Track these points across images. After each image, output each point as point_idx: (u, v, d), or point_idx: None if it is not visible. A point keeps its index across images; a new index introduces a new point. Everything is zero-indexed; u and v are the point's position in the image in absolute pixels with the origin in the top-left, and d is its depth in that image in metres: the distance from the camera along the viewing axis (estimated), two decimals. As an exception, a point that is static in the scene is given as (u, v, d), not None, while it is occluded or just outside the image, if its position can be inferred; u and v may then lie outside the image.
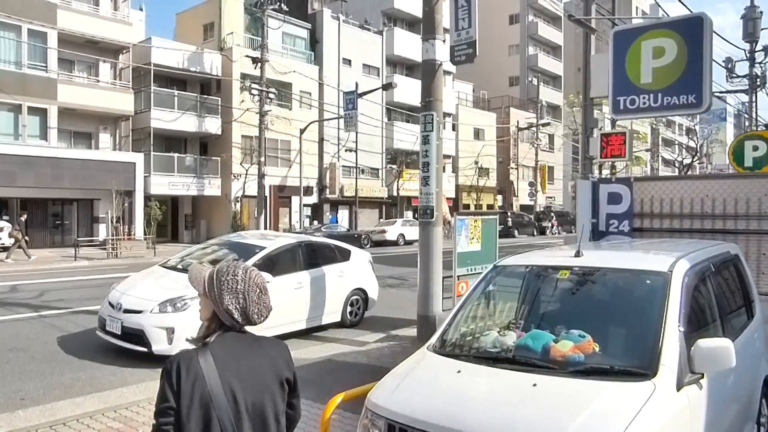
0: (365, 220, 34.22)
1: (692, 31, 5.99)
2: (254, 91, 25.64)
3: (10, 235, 18.83)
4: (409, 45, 36.08)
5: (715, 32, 6.85)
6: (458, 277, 7.46)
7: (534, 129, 43.43)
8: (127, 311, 6.71)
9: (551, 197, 49.55)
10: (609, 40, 6.52)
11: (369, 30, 36.12)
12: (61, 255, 20.28)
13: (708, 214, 5.67)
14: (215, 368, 1.75)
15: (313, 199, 32.21)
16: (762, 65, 21.00)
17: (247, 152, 28.23)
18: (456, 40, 7.54)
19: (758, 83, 20.64)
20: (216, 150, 28.73)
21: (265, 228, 26.06)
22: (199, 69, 27.71)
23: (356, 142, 31.41)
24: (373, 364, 6.48)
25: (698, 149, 42.72)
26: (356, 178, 32.38)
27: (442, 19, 7.87)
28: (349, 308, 8.80)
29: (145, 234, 23.75)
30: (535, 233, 38.85)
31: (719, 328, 3.40)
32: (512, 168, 45.51)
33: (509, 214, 37.33)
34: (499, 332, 3.32)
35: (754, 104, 21.29)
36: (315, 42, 33.42)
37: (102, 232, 23.54)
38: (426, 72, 7.81)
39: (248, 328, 1.91)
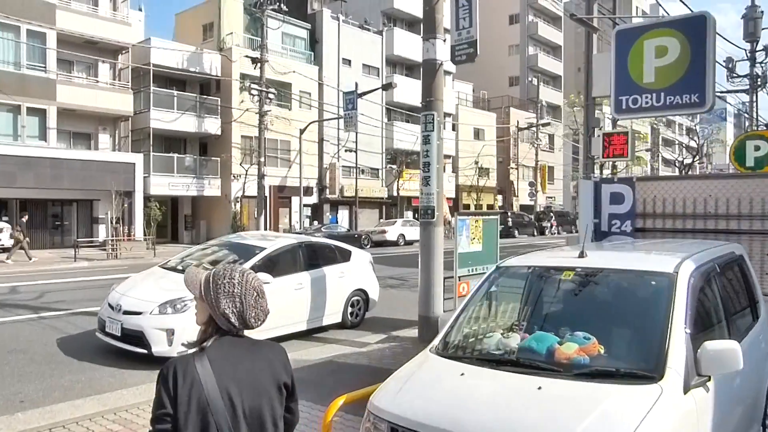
0: (365, 220, 34.19)
1: (695, 30, 5.95)
2: (254, 92, 25.61)
3: (12, 236, 18.78)
4: (408, 45, 36.07)
5: (717, 32, 6.81)
6: (459, 277, 7.44)
7: (534, 129, 43.42)
8: (126, 312, 6.67)
9: (551, 197, 49.54)
10: (611, 39, 6.48)
11: (369, 30, 36.09)
12: (60, 256, 20.24)
13: (711, 215, 5.63)
14: (212, 373, 1.73)
15: (313, 199, 32.18)
16: (763, 65, 20.97)
17: (246, 152, 28.20)
18: (457, 40, 7.51)
19: (759, 83, 20.61)
20: (216, 150, 28.70)
21: (265, 228, 26.05)
22: (198, 69, 27.68)
23: (356, 142, 31.38)
24: (374, 365, 6.45)
25: (699, 149, 42.68)
26: (356, 179, 32.36)
27: (443, 19, 7.84)
28: (349, 309, 8.76)
29: (144, 235, 23.72)
30: (536, 233, 38.83)
31: (725, 329, 3.37)
32: (512, 168, 45.49)
33: (509, 214, 37.29)
34: (502, 334, 3.28)
35: (754, 104, 21.26)
36: (315, 42, 33.39)
37: (102, 232, 23.51)
38: (426, 71, 7.78)
39: (246, 332, 1.88)
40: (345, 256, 8.98)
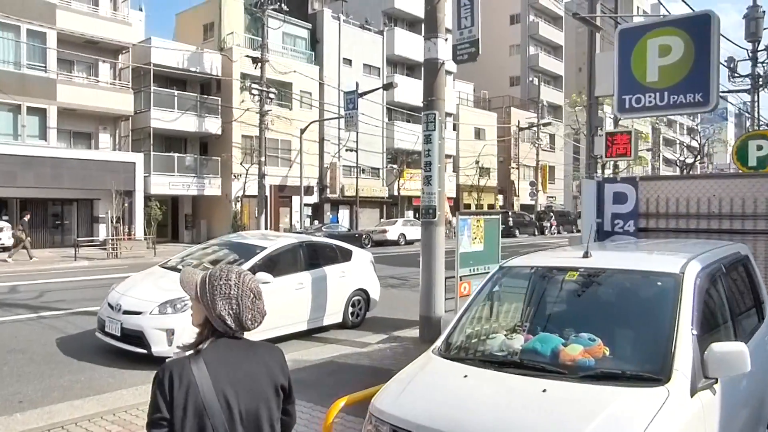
0: (366, 219, 34.16)
1: (699, 29, 5.90)
2: (254, 91, 25.58)
3: (14, 236, 18.75)
4: (409, 45, 36.04)
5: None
6: (461, 277, 7.40)
7: (535, 129, 43.38)
8: (126, 312, 6.64)
9: (552, 197, 49.51)
10: (614, 38, 6.44)
11: (369, 30, 36.05)
12: (61, 255, 20.22)
13: (715, 214, 5.59)
14: (208, 376, 1.71)
15: (313, 198, 32.15)
16: (764, 65, 20.91)
17: (247, 152, 28.18)
18: (458, 39, 7.47)
19: (761, 83, 20.54)
20: (216, 150, 28.67)
21: (266, 228, 26.00)
22: (199, 69, 27.65)
23: (357, 141, 31.35)
24: (375, 365, 6.41)
25: (701, 149, 42.61)
26: (357, 178, 32.33)
27: (445, 18, 7.80)
28: (350, 309, 8.72)
29: (145, 234, 23.69)
30: (536, 233, 38.79)
31: (731, 331, 3.33)
32: (513, 168, 45.45)
33: (510, 213, 37.24)
34: (506, 335, 3.24)
35: (756, 104, 21.20)
36: (315, 42, 33.35)
37: (102, 232, 23.48)
38: (428, 71, 7.75)
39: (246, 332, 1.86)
40: (346, 255, 8.94)
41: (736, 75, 21.51)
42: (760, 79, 20.52)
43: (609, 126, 29.53)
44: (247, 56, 26.25)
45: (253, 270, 7.08)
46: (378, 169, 36.13)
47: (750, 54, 20.15)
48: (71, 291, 12.13)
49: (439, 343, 3.39)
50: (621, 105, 6.43)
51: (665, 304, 3.00)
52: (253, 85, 25.75)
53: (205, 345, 1.77)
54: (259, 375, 1.80)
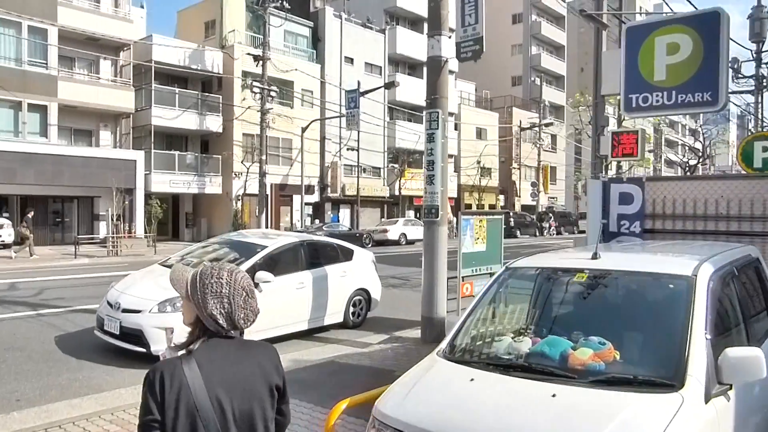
0: (367, 219, 34.09)
1: (708, 27, 5.81)
2: (256, 89, 25.51)
3: (20, 233, 18.67)
4: (411, 44, 35.95)
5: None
6: (463, 278, 7.34)
7: (536, 129, 43.28)
8: (125, 311, 6.58)
9: (554, 197, 49.42)
10: (622, 36, 6.35)
11: (371, 28, 35.96)
12: (61, 252, 20.17)
13: (722, 216, 5.50)
14: (200, 376, 1.65)
15: (314, 197, 32.09)
16: (768, 66, 20.78)
17: (248, 150, 28.12)
18: (462, 36, 7.40)
19: (765, 84, 20.42)
20: (217, 148, 28.62)
21: (267, 227, 25.95)
22: (200, 66, 27.58)
23: (358, 140, 31.28)
24: (376, 366, 6.35)
25: (704, 150, 42.46)
26: (358, 177, 32.26)
27: (448, 15, 7.72)
28: (351, 309, 8.65)
29: (145, 232, 23.63)
30: (537, 234, 38.72)
31: (743, 335, 3.25)
32: (514, 168, 45.37)
33: (511, 214, 37.14)
34: (512, 338, 3.16)
35: (759, 105, 21.08)
36: (317, 40, 33.27)
37: (102, 229, 23.42)
38: (431, 69, 7.67)
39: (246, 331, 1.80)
40: (347, 255, 8.87)
41: (739, 76, 21.39)
42: (764, 80, 20.41)
43: (612, 125, 29.40)
44: (248, 54, 26.19)
45: (254, 269, 7.01)
46: (379, 168, 36.05)
47: (754, 54, 20.02)
48: (71, 288, 12.07)
49: (443, 345, 3.31)
50: (628, 104, 6.34)
51: (678, 308, 2.92)
52: (255, 83, 25.68)
53: (196, 345, 1.72)
54: (252, 375, 1.75)
